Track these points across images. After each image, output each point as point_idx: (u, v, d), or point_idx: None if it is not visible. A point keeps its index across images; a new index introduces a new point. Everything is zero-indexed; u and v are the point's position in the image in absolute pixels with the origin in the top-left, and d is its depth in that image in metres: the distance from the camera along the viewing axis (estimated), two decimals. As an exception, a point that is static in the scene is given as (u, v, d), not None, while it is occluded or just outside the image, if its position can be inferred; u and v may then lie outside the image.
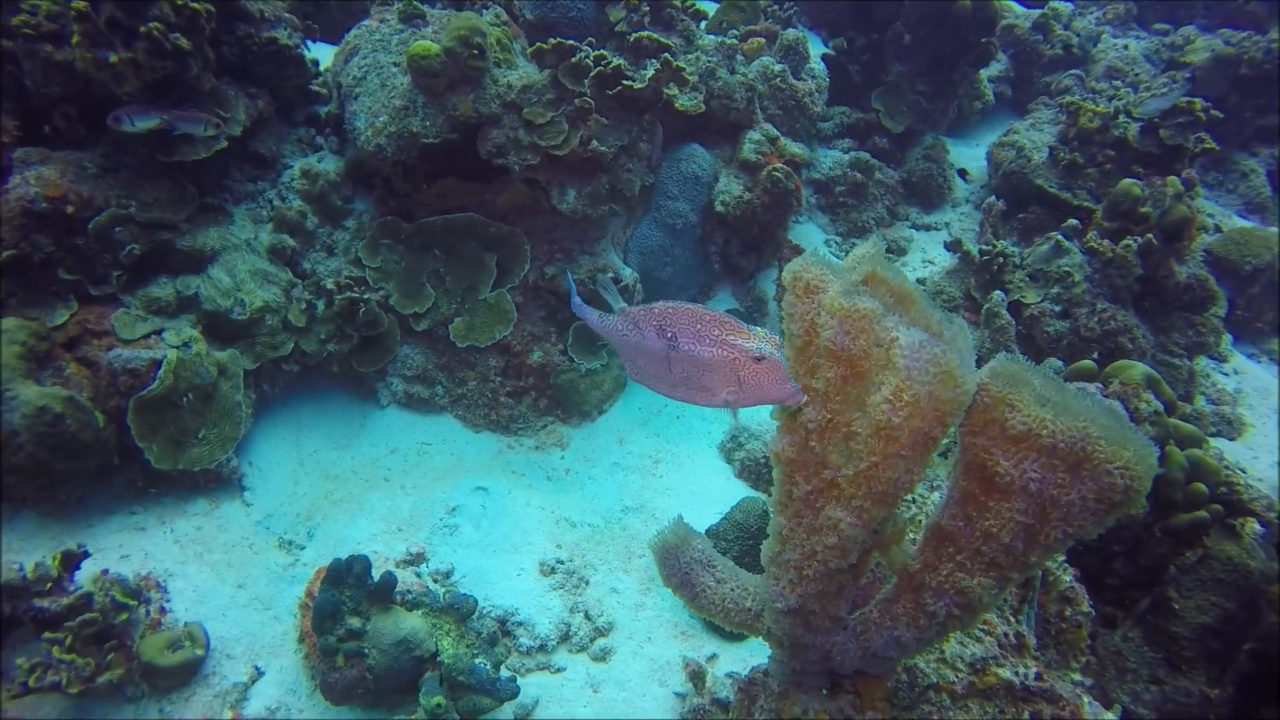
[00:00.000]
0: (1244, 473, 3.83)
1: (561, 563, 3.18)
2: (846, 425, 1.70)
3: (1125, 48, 6.88)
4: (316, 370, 3.68)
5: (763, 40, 4.82)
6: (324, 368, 3.69)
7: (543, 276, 3.97)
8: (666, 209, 4.17)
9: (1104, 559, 3.26)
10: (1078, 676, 2.82)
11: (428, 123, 3.52)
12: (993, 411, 1.68)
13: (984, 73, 5.91)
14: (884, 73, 5.14)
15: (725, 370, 1.62)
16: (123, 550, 2.88)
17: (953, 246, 4.35)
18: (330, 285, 3.58)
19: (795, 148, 4.36)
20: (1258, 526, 3.31)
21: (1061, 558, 2.78)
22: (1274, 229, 5.96)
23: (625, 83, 3.64)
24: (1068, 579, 2.78)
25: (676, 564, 2.07)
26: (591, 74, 3.65)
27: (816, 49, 5.11)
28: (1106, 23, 7.51)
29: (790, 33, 4.73)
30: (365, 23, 3.91)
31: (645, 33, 3.86)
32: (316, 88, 3.96)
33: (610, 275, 3.93)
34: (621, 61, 3.68)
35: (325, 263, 3.75)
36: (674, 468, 3.78)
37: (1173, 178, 4.08)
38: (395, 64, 3.64)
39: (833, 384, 1.72)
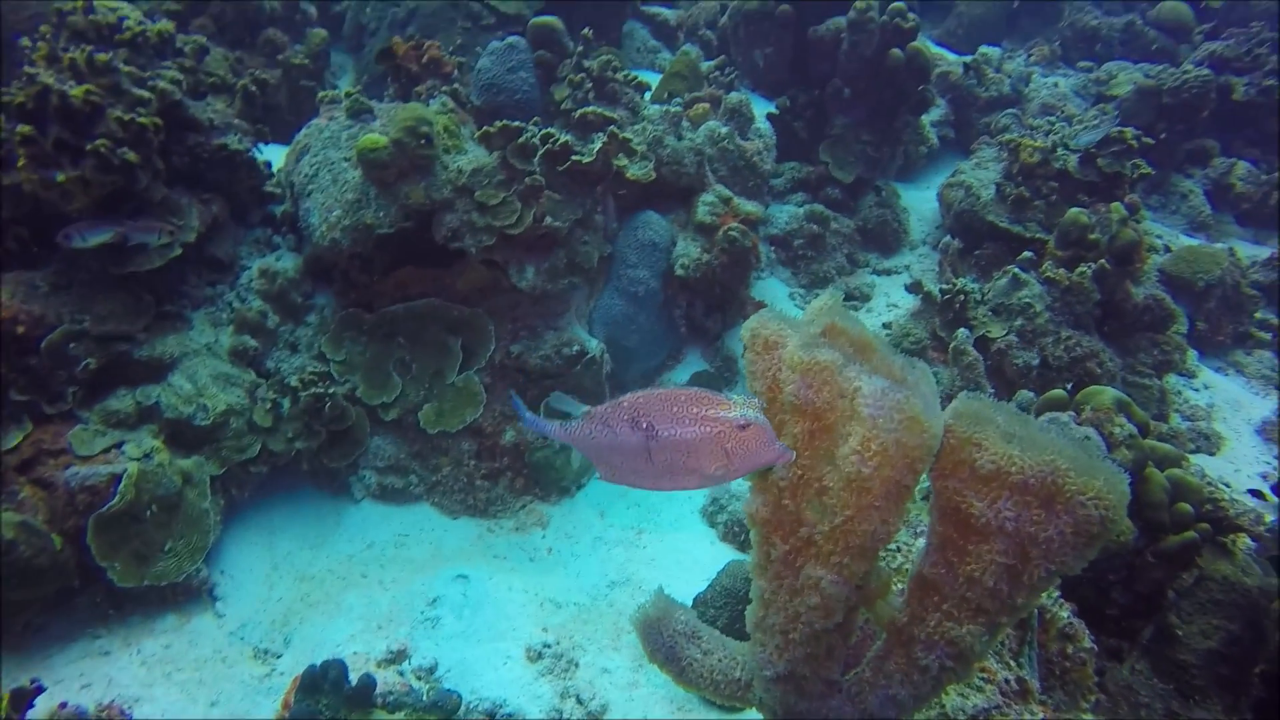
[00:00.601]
0: (1228, 488, 3.82)
1: (549, 646, 3.08)
2: (819, 480, 1.67)
3: (1055, 85, 7.15)
4: (286, 469, 3.60)
5: (707, 105, 4.93)
6: (294, 466, 3.61)
7: (509, 355, 3.95)
8: (627, 277, 4.20)
9: (1100, 589, 3.21)
10: (1089, 717, 2.74)
11: (381, 213, 3.54)
12: (960, 453, 1.66)
13: (925, 118, 6.08)
14: (829, 126, 5.28)
15: (711, 446, 1.58)
16: (84, 679, 2.75)
17: (914, 288, 4.39)
18: (294, 382, 3.53)
19: (749, 206, 4.43)
20: (1250, 542, 3.29)
21: (1056, 593, 2.73)
22: (1220, 245, 6.11)
23: (574, 158, 3.69)
24: (1065, 615, 2.73)
25: (660, 638, 2.00)
26: (540, 152, 3.70)
27: (761, 109, 5.24)
28: (1035, 64, 7.81)
29: (733, 96, 4.85)
30: (315, 121, 3.96)
31: (590, 108, 3.94)
32: (270, 188, 3.98)
33: (572, 354, 3.92)
34: (569, 138, 3.74)
35: (289, 360, 3.71)
36: (657, 537, 3.71)
37: (1116, 204, 4.17)
38: (346, 159, 3.67)
39: (801, 439, 1.70)
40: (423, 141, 3.46)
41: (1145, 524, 3.03)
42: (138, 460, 3.07)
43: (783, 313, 1.84)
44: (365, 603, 3.24)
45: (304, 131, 3.97)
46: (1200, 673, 2.89)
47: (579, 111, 3.91)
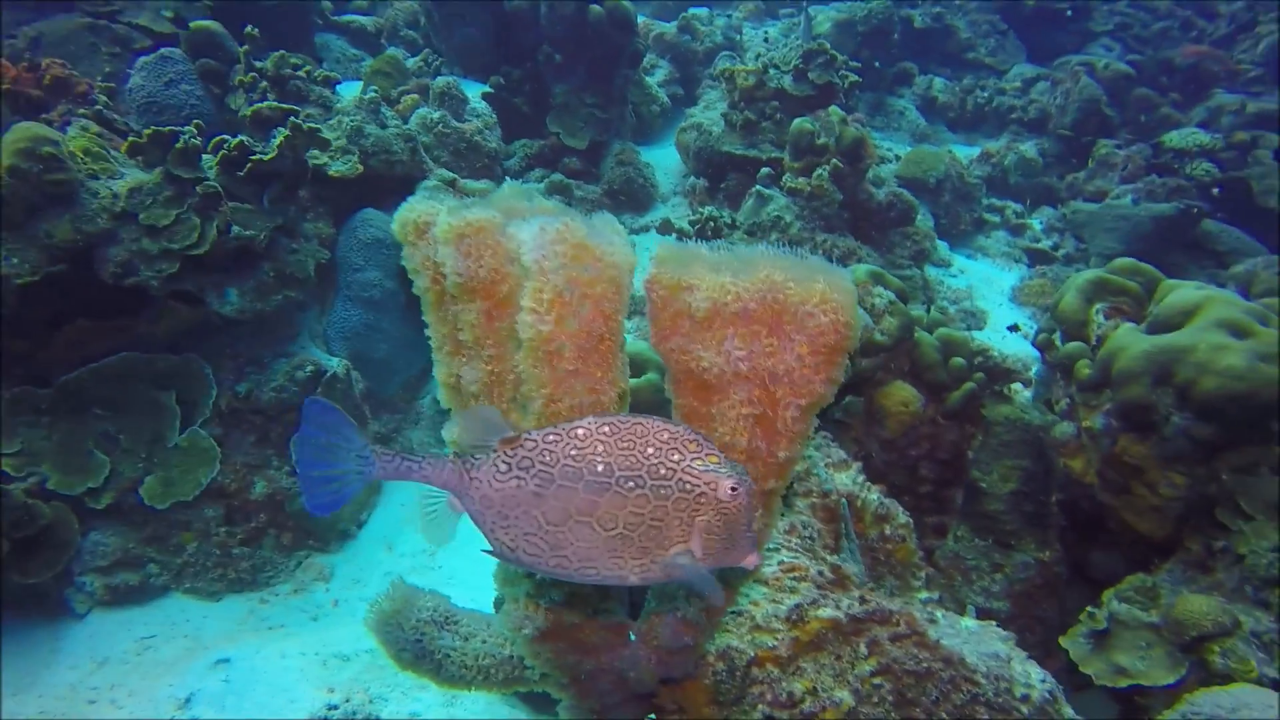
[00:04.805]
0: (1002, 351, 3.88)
1: (336, 708, 2.58)
2: (513, 371, 1.36)
3: (765, 35, 7.46)
4: (-35, 605, 2.86)
5: (416, 96, 4.59)
6: (-24, 597, 2.87)
7: (237, 397, 3.39)
8: (357, 282, 3.75)
9: (909, 469, 3.15)
10: (924, 594, 2.61)
11: (15, 259, 2.89)
12: (674, 303, 1.40)
13: (651, 79, 6.06)
14: (550, 96, 5.08)
15: (684, 516, 1.11)
16: None
17: (664, 229, 4.26)
18: (-52, 493, 2.80)
19: (478, 185, 4.12)
20: (1021, 387, 3.35)
21: (862, 478, 2.60)
22: (943, 148, 6.55)
23: (254, 158, 3.21)
24: (875, 497, 2.59)
25: (402, 635, 1.61)
26: (216, 160, 3.20)
27: (475, 92, 4.95)
28: (743, 20, 8.11)
29: (440, 80, 4.54)
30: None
31: (264, 103, 3.47)
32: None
33: (306, 378, 3.42)
34: (242, 138, 3.26)
35: (-58, 470, 2.96)
36: (454, 553, 3.29)
37: (833, 107, 4.24)
38: (-40, 210, 2.98)
39: (479, 328, 1.37)
40: (51, 164, 2.86)
41: (928, 388, 2.98)
42: None
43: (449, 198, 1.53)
44: (96, 732, 2.59)
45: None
46: (1010, 517, 2.87)
47: (251, 108, 3.43)
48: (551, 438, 1.10)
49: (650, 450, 1.09)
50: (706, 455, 1.12)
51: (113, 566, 3.18)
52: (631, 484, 1.09)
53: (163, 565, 3.26)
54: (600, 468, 1.08)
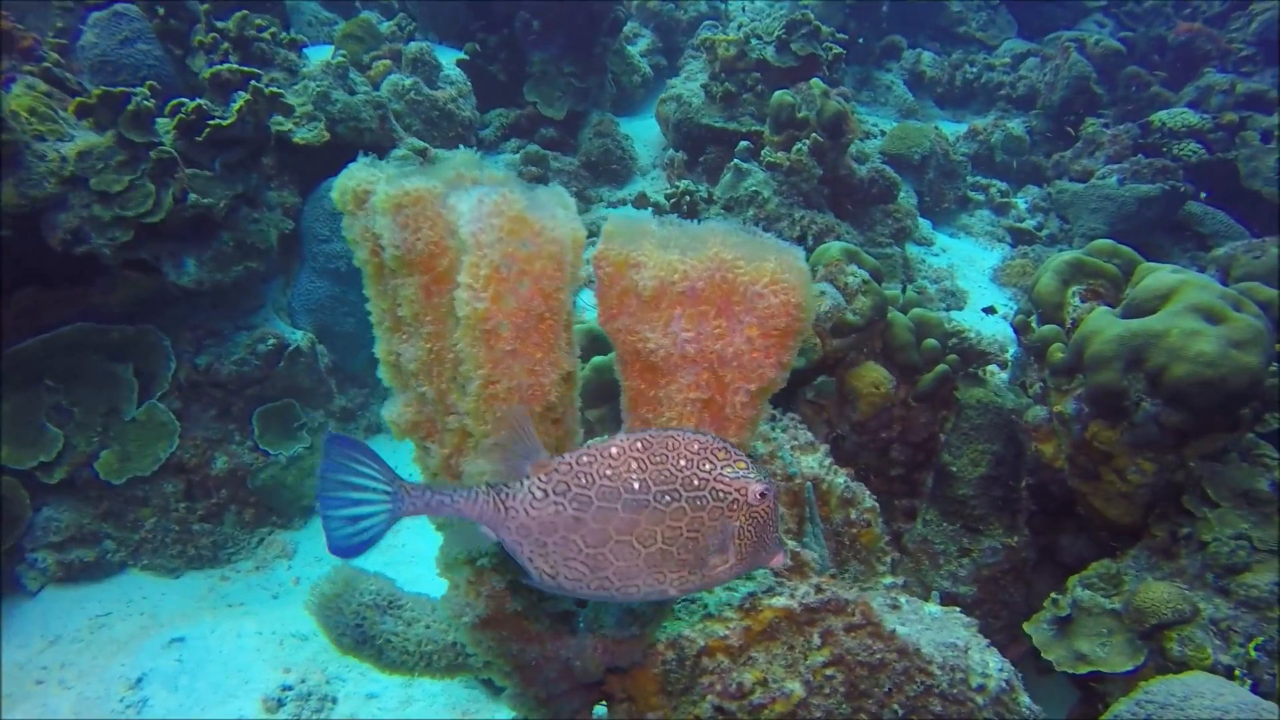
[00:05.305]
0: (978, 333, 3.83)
1: (290, 689, 2.54)
2: (453, 349, 1.29)
3: (752, 2, 7.30)
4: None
5: (388, 62, 4.46)
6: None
7: (197, 369, 3.31)
8: (323, 254, 3.65)
9: (879, 450, 3.11)
10: (889, 579, 2.57)
11: (-44, 225, 2.79)
12: (620, 280, 1.33)
13: (633, 49, 5.92)
14: (527, 65, 4.95)
15: (718, 524, 1.12)
16: None
17: (639, 203, 4.17)
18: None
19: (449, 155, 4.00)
20: (997, 369, 3.31)
21: (829, 461, 2.55)
22: (930, 124, 6.46)
23: (212, 123, 3.10)
24: (842, 481, 2.54)
25: (342, 619, 1.56)
26: (173, 124, 3.09)
27: (450, 59, 4.82)
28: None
29: (413, 46, 4.41)
30: None
31: (224, 66, 3.35)
32: None
33: (268, 351, 3.34)
34: (201, 102, 3.14)
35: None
36: (416, 533, 3.23)
37: (815, 80, 4.15)
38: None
39: (418, 304, 1.30)
40: (-8, 127, 2.75)
41: (900, 369, 2.93)
42: None
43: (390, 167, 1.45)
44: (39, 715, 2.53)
45: None
46: (978, 501, 2.84)
47: (210, 70, 3.31)
48: (585, 459, 1.09)
49: (683, 463, 1.10)
50: (735, 462, 1.12)
51: (66, 543, 3.11)
52: (668, 498, 1.09)
53: (119, 541, 3.19)
54: (636, 485, 1.08)
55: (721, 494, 1.10)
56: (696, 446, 1.10)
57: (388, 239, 1.26)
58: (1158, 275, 2.47)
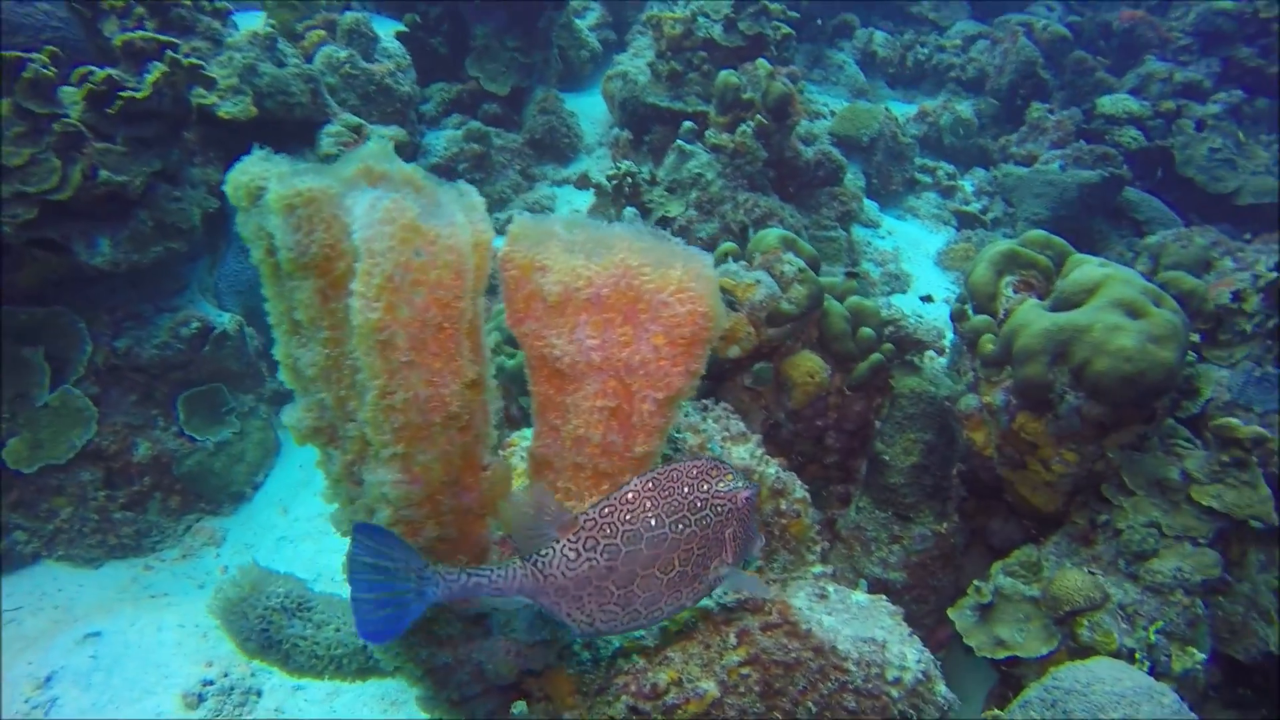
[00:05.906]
0: (920, 317, 3.85)
1: (211, 683, 2.48)
2: (350, 356, 1.24)
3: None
4: None
5: (322, 32, 4.30)
6: None
7: (116, 353, 3.18)
8: (251, 231, 3.52)
9: (815, 438, 3.12)
10: (818, 568, 2.58)
11: None
12: (526, 283, 1.29)
13: (581, 22, 5.80)
14: (470, 38, 4.81)
15: (719, 535, 1.23)
16: None
17: (581, 183, 4.10)
18: None
19: (386, 131, 3.89)
20: (935, 356, 3.33)
21: (760, 451, 2.55)
22: (879, 105, 6.46)
23: (124, 94, 2.95)
24: (773, 471, 2.53)
25: (246, 622, 1.51)
26: (81, 94, 2.93)
27: (389, 30, 4.67)
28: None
29: (349, 15, 4.26)
30: None
31: (138, 33, 3.18)
32: None
33: (192, 334, 3.22)
34: (111, 72, 2.98)
35: None
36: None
37: (761, 60, 4.10)
38: None
39: (313, 308, 1.24)
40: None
41: (836, 358, 2.94)
42: None
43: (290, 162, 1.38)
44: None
45: None
46: (910, 490, 2.87)
47: (121, 38, 3.14)
48: (606, 510, 1.16)
49: (686, 489, 1.19)
50: (725, 476, 1.23)
51: (-26, 533, 2.99)
52: (680, 525, 1.18)
53: (31, 532, 3.07)
54: (653, 521, 1.16)
55: (720, 508, 1.21)
56: (695, 471, 1.20)
57: (280, 240, 1.20)
58: (1084, 269, 2.49)
